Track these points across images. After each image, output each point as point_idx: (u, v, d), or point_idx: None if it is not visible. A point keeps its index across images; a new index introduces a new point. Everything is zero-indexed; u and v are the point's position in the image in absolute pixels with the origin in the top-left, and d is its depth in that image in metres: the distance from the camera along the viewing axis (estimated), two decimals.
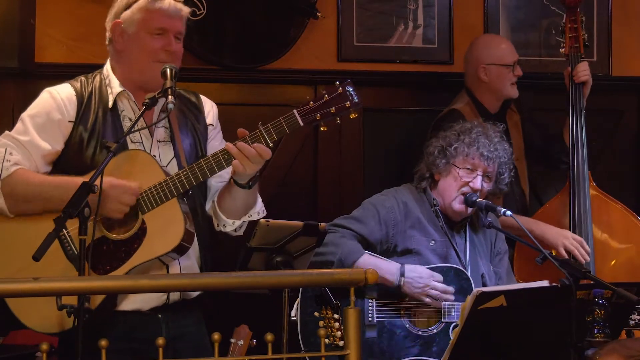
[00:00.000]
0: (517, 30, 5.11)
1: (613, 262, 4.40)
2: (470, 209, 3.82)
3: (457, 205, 3.80)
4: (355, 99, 3.06)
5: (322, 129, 3.07)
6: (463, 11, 5.09)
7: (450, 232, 3.85)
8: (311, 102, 3.04)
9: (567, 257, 4.16)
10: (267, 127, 3.03)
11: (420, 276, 3.67)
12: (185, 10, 3.23)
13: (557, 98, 4.79)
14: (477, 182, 3.79)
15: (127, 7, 3.18)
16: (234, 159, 3.03)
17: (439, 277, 3.69)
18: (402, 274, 3.65)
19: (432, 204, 3.86)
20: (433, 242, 3.80)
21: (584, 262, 4.19)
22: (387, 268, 3.65)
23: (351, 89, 3.06)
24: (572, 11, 4.50)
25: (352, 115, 3.08)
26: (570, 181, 4.37)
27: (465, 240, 3.87)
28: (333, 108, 3.04)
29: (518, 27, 5.13)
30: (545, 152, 4.71)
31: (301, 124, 3.03)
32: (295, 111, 3.03)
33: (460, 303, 3.66)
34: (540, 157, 4.73)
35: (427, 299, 3.67)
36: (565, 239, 4.22)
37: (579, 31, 4.47)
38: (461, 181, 3.80)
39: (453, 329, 3.66)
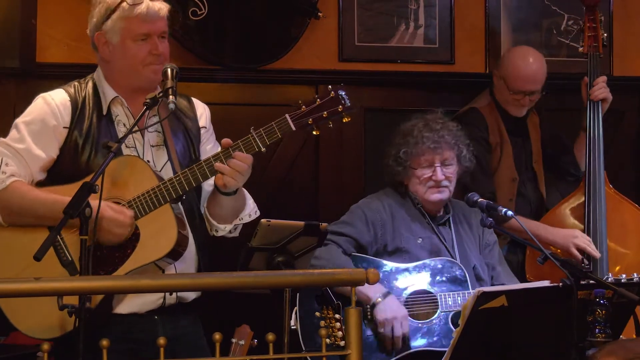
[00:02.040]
0: (518, 31, 5.10)
1: (626, 262, 4.41)
2: (446, 195, 3.86)
3: (431, 196, 3.87)
4: (348, 102, 3.06)
5: (314, 132, 3.08)
6: (464, 11, 5.08)
7: (437, 228, 3.89)
8: (303, 107, 3.04)
9: (579, 256, 4.18)
10: (259, 131, 3.03)
11: (395, 310, 3.65)
12: (165, 9, 3.19)
13: (558, 98, 4.79)
14: (438, 174, 3.85)
15: (107, 17, 3.16)
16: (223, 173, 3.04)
17: (406, 327, 3.64)
18: (385, 296, 3.65)
19: (415, 202, 3.91)
20: (420, 239, 3.85)
21: (598, 256, 4.21)
22: (372, 287, 3.61)
23: (343, 93, 3.06)
24: (592, 10, 4.51)
25: (345, 119, 3.08)
26: (586, 181, 4.38)
27: (452, 235, 3.92)
28: (325, 112, 3.04)
29: (519, 27, 5.12)
30: (555, 161, 4.71)
31: (293, 128, 3.04)
32: (287, 115, 3.04)
33: (456, 292, 3.71)
34: (549, 165, 4.72)
35: (384, 331, 3.63)
36: (574, 238, 4.25)
37: (598, 30, 4.48)
38: (423, 178, 3.87)
39: (452, 317, 3.68)
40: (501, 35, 5.07)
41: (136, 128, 3.07)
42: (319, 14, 4.82)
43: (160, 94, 3.04)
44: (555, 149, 4.69)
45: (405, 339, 3.66)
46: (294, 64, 4.88)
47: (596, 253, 4.23)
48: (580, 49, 4.51)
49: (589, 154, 4.38)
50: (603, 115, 4.43)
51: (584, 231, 4.33)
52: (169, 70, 3.07)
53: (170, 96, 3.00)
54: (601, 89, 4.42)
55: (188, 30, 4.63)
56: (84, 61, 4.53)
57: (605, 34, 4.54)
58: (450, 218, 3.95)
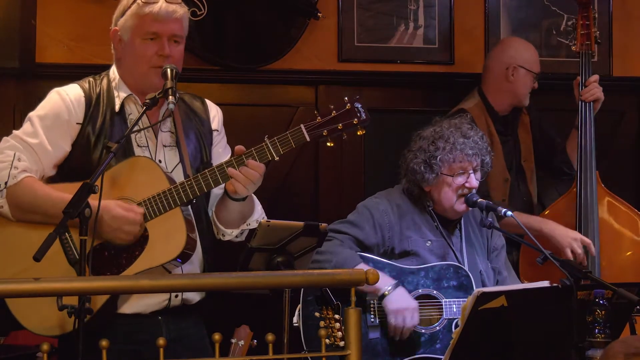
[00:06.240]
0: (517, 31, 5.10)
1: (619, 262, 4.40)
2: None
3: (460, 207, 3.79)
4: (363, 115, 3.08)
5: (328, 144, 3.08)
6: (464, 11, 5.08)
7: (446, 232, 3.84)
8: (319, 118, 3.05)
9: (571, 258, 4.15)
10: (273, 140, 3.04)
11: (406, 301, 3.63)
12: (180, 11, 3.17)
13: (557, 98, 4.80)
14: (473, 181, 3.78)
15: (122, 14, 3.17)
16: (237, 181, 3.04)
17: (417, 319, 3.64)
18: (395, 287, 3.63)
19: (426, 205, 3.84)
20: (429, 242, 3.80)
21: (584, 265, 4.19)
22: (382, 279, 3.59)
23: (359, 106, 3.08)
24: (585, 8, 4.48)
25: (359, 132, 3.10)
26: (577, 181, 4.37)
27: (461, 239, 3.88)
28: (340, 124, 3.06)
29: (519, 27, 5.13)
30: (547, 160, 4.70)
31: (308, 139, 3.05)
32: (302, 126, 3.04)
33: (461, 299, 3.68)
34: (543, 164, 4.71)
35: (394, 321, 3.62)
36: (573, 241, 4.17)
37: (591, 28, 4.45)
38: (456, 185, 3.77)
39: (455, 325, 3.66)
40: (501, 35, 5.07)
41: (137, 127, 3.06)
42: (319, 14, 4.82)
43: (160, 94, 3.04)
44: (547, 149, 4.69)
45: (410, 329, 3.63)
46: (294, 64, 4.88)
47: (584, 261, 4.18)
48: (573, 47, 4.49)
49: (581, 155, 4.36)
50: (596, 115, 4.42)
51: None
52: (168, 70, 3.06)
53: (170, 97, 3.00)
54: (592, 90, 4.39)
55: (188, 31, 4.62)
56: (83, 61, 4.55)
57: (599, 32, 4.52)
58: (462, 222, 3.90)
